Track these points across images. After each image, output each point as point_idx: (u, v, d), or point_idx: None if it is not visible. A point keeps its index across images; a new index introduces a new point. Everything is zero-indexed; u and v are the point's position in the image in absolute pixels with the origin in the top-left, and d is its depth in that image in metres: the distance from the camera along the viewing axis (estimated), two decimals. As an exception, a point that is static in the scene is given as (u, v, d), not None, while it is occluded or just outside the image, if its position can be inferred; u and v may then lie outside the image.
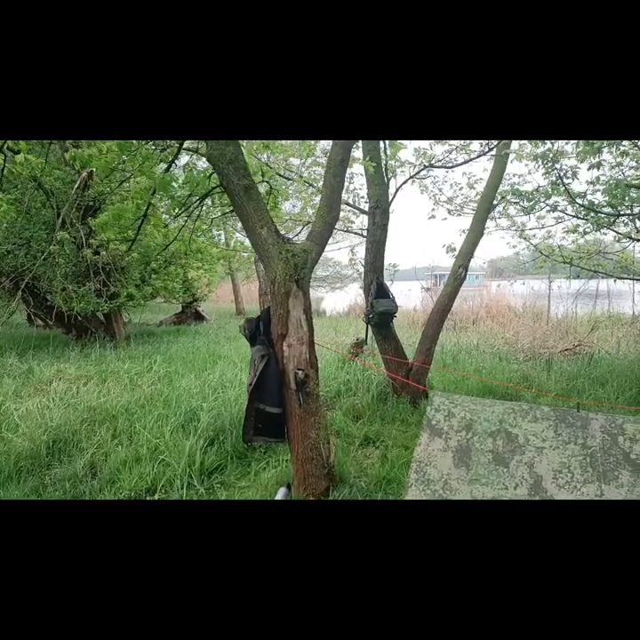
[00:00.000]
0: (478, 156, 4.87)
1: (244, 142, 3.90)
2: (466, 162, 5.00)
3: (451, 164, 5.09)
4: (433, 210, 6.13)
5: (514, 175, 5.74)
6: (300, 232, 6.79)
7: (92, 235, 7.58)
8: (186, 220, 3.61)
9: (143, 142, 2.92)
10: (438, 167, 5.10)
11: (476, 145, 4.76)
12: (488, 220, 6.37)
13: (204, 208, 3.65)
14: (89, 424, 4.44)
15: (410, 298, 17.42)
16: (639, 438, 2.10)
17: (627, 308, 11.89)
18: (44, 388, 5.89)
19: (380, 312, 4.69)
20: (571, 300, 11.57)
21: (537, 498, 2.12)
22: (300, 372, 2.94)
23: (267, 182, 3.72)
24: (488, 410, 2.45)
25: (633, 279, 6.92)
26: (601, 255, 7.55)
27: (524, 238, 7.76)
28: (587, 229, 5.46)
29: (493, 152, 4.61)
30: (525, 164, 5.14)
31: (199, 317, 15.34)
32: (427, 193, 5.88)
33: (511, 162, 5.88)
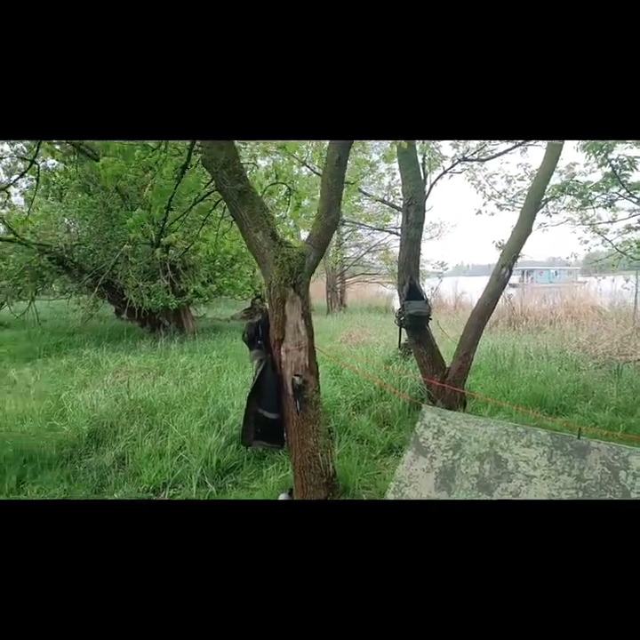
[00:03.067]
0: (514, 147, 4.43)
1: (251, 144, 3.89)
2: (503, 153, 4.58)
3: (485, 157, 4.69)
4: (484, 205, 5.74)
5: (575, 164, 5.17)
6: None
7: (163, 233, 8.11)
8: (203, 224, 3.70)
9: (151, 151, 3.02)
10: (472, 160, 4.73)
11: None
12: (549, 215, 5.86)
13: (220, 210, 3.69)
14: (129, 416, 4.73)
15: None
16: (645, 475, 1.80)
17: None
18: (105, 379, 6.38)
19: (410, 314, 4.48)
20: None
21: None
22: (297, 378, 2.89)
23: (284, 184, 3.69)
24: (480, 430, 2.24)
25: None
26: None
27: (598, 233, 7.03)
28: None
29: (536, 143, 4.17)
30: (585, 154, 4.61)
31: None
32: (476, 186, 5.50)
33: (577, 151, 5.34)
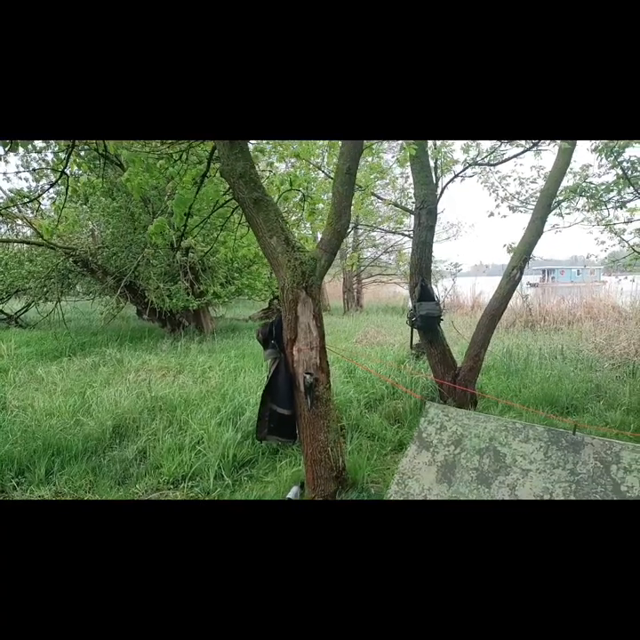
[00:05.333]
0: (522, 152, 4.49)
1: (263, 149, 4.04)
2: (512, 157, 4.64)
3: (495, 161, 4.76)
4: (497, 206, 5.79)
5: (589, 166, 5.19)
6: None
7: (183, 238, 8.36)
8: (221, 229, 3.87)
9: (173, 162, 3.20)
10: (483, 164, 4.80)
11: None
12: (562, 216, 5.88)
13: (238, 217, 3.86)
14: (150, 412, 4.94)
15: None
16: (634, 468, 1.89)
17: None
18: (127, 378, 6.63)
19: (422, 315, 4.58)
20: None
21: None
22: (308, 376, 3.03)
23: (298, 191, 3.84)
24: (480, 425, 2.35)
25: None
26: None
27: (615, 233, 7.01)
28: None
29: (549, 146, 4.23)
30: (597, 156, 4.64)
31: (283, 313, 15.94)
32: (489, 188, 5.57)
33: (590, 152, 5.37)
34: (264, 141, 6.30)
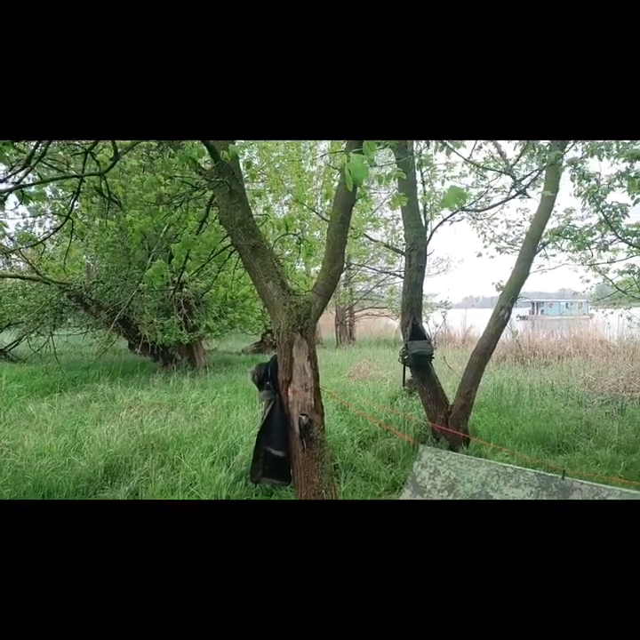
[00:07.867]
0: (506, 200, 4.72)
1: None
2: (498, 204, 4.88)
3: (481, 208, 5.00)
4: (485, 247, 6.00)
5: (572, 210, 5.41)
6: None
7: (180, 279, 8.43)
8: (220, 269, 3.99)
9: (173, 208, 3.33)
10: (470, 210, 5.03)
11: (510, 184, 4.62)
12: (547, 257, 6.09)
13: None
14: (142, 451, 4.90)
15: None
16: (622, 515, 1.94)
17: None
18: (119, 415, 6.57)
19: (414, 354, 4.68)
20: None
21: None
22: (303, 418, 3.07)
23: (294, 235, 3.98)
24: (473, 470, 2.40)
25: None
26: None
27: (599, 271, 7.25)
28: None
29: (533, 192, 4.47)
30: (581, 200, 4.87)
31: (275, 347, 15.96)
32: (477, 229, 5.79)
33: (576, 197, 5.61)
34: (261, 184, 6.52)
